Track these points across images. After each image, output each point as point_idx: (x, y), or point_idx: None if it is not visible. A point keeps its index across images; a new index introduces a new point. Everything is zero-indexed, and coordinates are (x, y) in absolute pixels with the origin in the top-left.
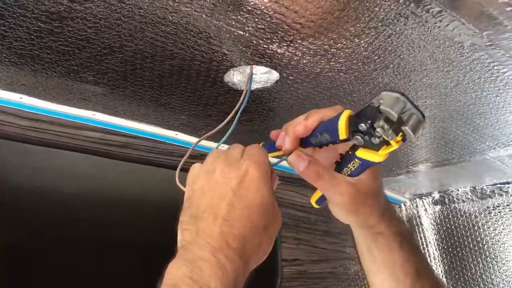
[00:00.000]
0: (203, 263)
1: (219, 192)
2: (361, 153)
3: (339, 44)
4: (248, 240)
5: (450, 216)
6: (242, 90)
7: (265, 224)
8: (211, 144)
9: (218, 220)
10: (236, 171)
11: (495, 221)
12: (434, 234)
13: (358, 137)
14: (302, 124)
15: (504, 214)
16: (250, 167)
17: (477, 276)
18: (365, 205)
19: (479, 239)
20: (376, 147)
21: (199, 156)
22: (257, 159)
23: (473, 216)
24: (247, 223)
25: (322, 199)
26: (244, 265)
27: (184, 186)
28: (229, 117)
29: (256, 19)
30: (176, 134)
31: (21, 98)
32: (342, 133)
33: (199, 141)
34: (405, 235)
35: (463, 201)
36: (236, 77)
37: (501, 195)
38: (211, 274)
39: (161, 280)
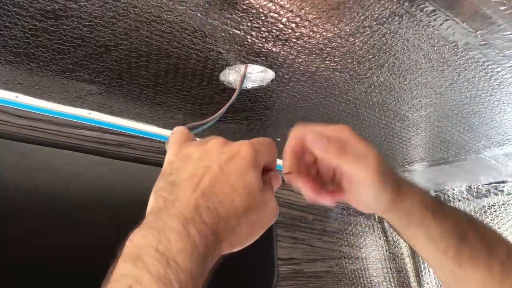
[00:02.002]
0: (172, 233)
1: (206, 164)
2: None
3: (334, 43)
4: (222, 218)
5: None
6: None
7: (246, 207)
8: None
9: (197, 192)
10: (230, 148)
11: (491, 220)
12: None
13: None
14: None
15: (500, 213)
16: (244, 147)
17: None
18: (391, 174)
19: None
20: None
21: None
22: (256, 144)
23: None
24: (224, 201)
25: None
26: (215, 243)
27: None
28: (219, 112)
29: (251, 18)
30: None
31: (17, 97)
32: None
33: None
34: (432, 203)
35: (459, 200)
36: (231, 76)
37: (496, 194)
38: (179, 247)
39: (120, 249)
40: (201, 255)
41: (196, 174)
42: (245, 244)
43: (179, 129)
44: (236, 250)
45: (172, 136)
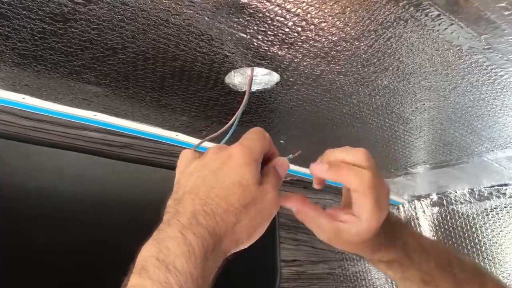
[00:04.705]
0: (170, 241)
1: (203, 174)
2: None
3: (339, 47)
4: (221, 218)
5: (448, 218)
6: (242, 92)
7: (245, 203)
8: (211, 146)
9: (194, 200)
10: (222, 154)
11: (493, 222)
12: (432, 236)
13: None
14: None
15: (502, 216)
16: (236, 149)
17: None
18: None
19: (477, 241)
20: None
21: None
22: (246, 143)
23: (471, 218)
24: (221, 202)
25: None
26: (214, 243)
27: None
28: (233, 119)
29: (258, 22)
30: (177, 135)
31: (23, 98)
32: None
33: (201, 142)
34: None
35: (461, 203)
36: (236, 78)
37: (498, 197)
38: (177, 253)
39: (132, 264)
40: (200, 256)
41: (195, 186)
42: (252, 238)
43: (184, 152)
44: (244, 246)
45: (179, 159)
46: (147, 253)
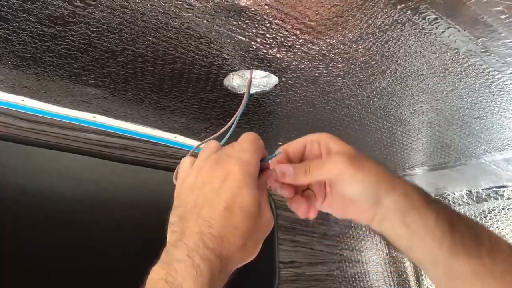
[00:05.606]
0: (178, 264)
1: (203, 192)
2: None
3: (337, 50)
4: (228, 241)
5: None
6: (241, 94)
7: (249, 227)
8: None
9: (198, 221)
10: (221, 170)
11: (491, 224)
12: None
13: None
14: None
15: (500, 218)
16: (234, 166)
17: None
18: (367, 162)
19: None
20: None
21: None
22: (244, 157)
23: None
24: (228, 225)
25: None
26: (221, 265)
27: None
28: (232, 121)
29: (256, 25)
30: (175, 137)
31: (23, 100)
32: None
33: (199, 145)
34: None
35: (459, 205)
36: (235, 81)
37: (496, 198)
38: (184, 275)
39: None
40: (207, 278)
41: (197, 204)
42: (252, 257)
43: (183, 160)
44: (247, 261)
45: (180, 168)
46: (156, 275)
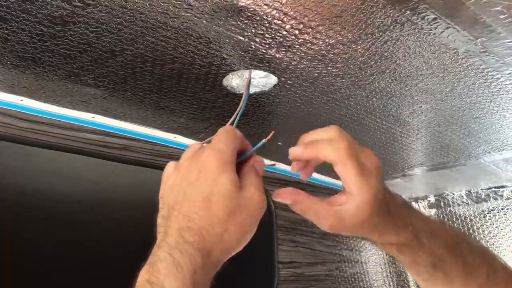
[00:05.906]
0: (160, 264)
1: (182, 187)
2: None
3: (336, 50)
4: (207, 231)
5: (446, 220)
6: (240, 94)
7: (229, 211)
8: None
9: (178, 217)
10: (196, 164)
11: (490, 224)
12: None
13: None
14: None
15: (499, 218)
16: (208, 157)
17: None
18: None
19: None
20: None
21: None
22: (217, 147)
23: (468, 220)
24: (204, 214)
25: None
26: (204, 257)
27: None
28: (230, 120)
29: (255, 25)
30: (175, 137)
31: (22, 100)
32: None
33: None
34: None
35: (459, 205)
36: (234, 81)
37: (496, 198)
38: (166, 274)
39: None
40: (189, 273)
41: (178, 201)
42: (242, 243)
43: (168, 164)
44: (235, 251)
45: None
46: (141, 277)
